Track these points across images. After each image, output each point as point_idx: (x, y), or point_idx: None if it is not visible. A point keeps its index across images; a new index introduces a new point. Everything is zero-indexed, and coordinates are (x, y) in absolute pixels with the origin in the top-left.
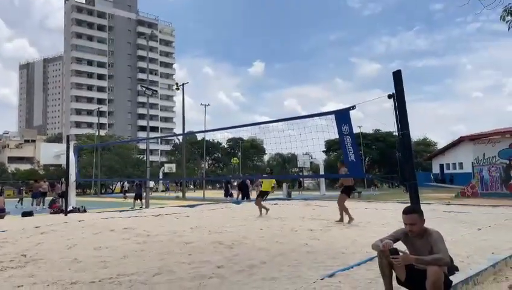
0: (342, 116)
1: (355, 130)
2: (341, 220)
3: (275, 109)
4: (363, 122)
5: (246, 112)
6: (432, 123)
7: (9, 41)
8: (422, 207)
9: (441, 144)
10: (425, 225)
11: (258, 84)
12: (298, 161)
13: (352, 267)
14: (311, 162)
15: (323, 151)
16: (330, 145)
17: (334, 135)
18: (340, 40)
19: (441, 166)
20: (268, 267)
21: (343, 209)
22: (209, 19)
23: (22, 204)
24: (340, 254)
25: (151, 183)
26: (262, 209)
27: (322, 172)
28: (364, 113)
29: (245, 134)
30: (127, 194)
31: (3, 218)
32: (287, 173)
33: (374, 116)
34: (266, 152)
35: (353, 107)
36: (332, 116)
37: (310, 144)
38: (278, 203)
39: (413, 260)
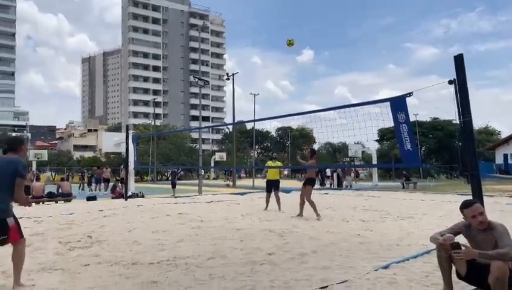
0: (398, 104)
1: (411, 118)
2: (300, 214)
3: (324, 97)
4: (419, 110)
5: (294, 101)
6: (495, 110)
7: (72, 37)
8: (485, 199)
9: (505, 133)
10: (488, 218)
11: (306, 73)
12: (349, 150)
13: (408, 260)
14: (363, 152)
15: (376, 140)
16: (384, 134)
17: (388, 123)
18: (393, 24)
19: (505, 156)
20: (320, 256)
21: (309, 203)
22: (258, 8)
23: (83, 189)
24: (395, 246)
25: (202, 171)
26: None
27: (374, 161)
28: (421, 100)
29: (294, 123)
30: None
31: (70, 201)
32: (337, 163)
33: (431, 103)
34: (316, 141)
35: (410, 94)
36: (387, 104)
37: (362, 132)
38: (328, 193)
39: (476, 255)
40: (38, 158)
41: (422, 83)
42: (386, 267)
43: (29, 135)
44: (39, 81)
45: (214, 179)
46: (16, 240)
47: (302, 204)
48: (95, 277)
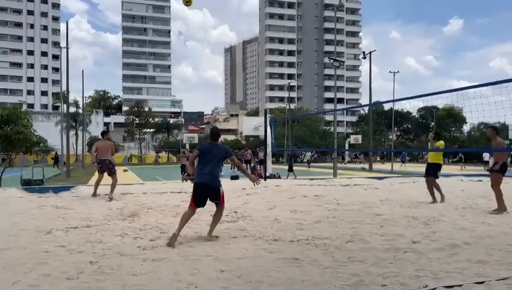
0: None
1: None
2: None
3: (477, 71)
4: None
5: (440, 77)
6: None
7: (214, 29)
8: None
9: None
10: None
11: (455, 45)
12: (510, 132)
13: None
14: None
15: None
16: None
17: None
18: None
19: None
20: (474, 249)
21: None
22: None
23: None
24: None
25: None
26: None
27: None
28: None
29: (440, 102)
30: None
31: None
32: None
33: None
34: (467, 121)
35: None
36: None
37: None
38: (482, 180)
39: None
40: (190, 141)
41: None
42: None
43: (182, 120)
44: (189, 72)
45: (348, 162)
46: (222, 205)
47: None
48: (242, 248)
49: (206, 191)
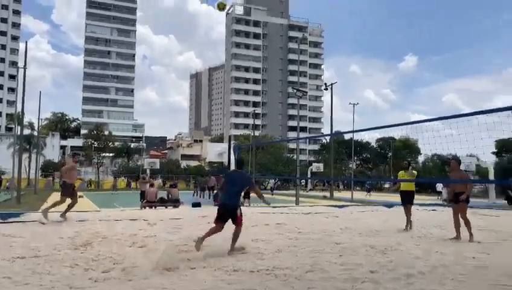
0: None
1: None
2: (458, 237)
3: (430, 106)
4: None
5: (396, 110)
6: None
7: (180, 55)
8: None
9: None
10: None
11: (410, 80)
12: (461, 163)
13: None
14: (477, 165)
15: (493, 153)
16: (502, 146)
17: (508, 133)
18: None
19: None
20: (428, 278)
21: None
22: (356, 14)
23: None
24: None
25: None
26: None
27: (491, 177)
28: None
29: (396, 133)
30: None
31: (178, 207)
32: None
33: None
34: (421, 152)
35: None
36: (507, 113)
37: (476, 144)
38: (436, 209)
39: None
40: (151, 166)
41: None
42: None
43: (144, 145)
44: (153, 96)
45: (310, 189)
46: (239, 224)
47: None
48: (201, 280)
49: (225, 210)
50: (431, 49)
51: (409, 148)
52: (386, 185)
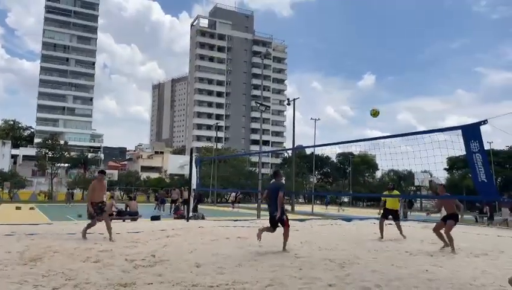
0: (471, 132)
1: (485, 147)
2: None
3: (387, 123)
4: (493, 138)
5: (355, 126)
6: None
7: (142, 65)
8: None
9: None
10: None
11: (368, 98)
12: (416, 179)
13: None
14: (430, 181)
15: (445, 169)
16: (453, 163)
17: (458, 151)
18: (462, 48)
19: None
20: None
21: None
22: (319, 33)
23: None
24: (468, 285)
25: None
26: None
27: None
28: (495, 127)
29: (355, 149)
30: (235, 205)
31: (136, 220)
32: (403, 192)
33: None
34: (379, 168)
35: (484, 122)
36: (458, 132)
37: (430, 161)
38: (392, 223)
39: None
40: (109, 178)
41: (494, 109)
42: None
43: (102, 155)
44: (113, 106)
45: None
46: (286, 226)
47: (440, 235)
48: None
49: (274, 219)
50: (387, 69)
51: (367, 163)
52: (345, 199)
